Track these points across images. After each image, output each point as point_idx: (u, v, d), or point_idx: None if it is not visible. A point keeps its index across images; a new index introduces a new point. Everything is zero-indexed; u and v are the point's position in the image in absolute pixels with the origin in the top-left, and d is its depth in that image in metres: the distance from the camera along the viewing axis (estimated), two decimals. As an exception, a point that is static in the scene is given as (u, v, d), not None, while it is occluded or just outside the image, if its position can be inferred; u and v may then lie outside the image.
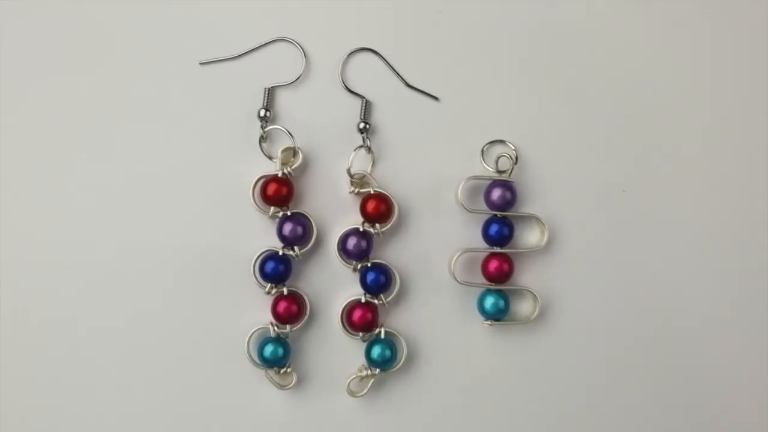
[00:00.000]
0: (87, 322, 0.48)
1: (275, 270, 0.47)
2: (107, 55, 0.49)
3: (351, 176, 0.48)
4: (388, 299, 0.48)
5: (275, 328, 0.48)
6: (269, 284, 0.48)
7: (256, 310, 0.48)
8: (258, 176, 0.48)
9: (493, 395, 0.49)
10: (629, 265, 0.50)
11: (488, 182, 0.49)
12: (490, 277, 0.49)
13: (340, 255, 0.48)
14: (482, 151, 0.50)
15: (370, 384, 0.48)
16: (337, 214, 0.49)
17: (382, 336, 0.48)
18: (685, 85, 0.51)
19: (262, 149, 0.49)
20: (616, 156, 0.50)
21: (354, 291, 0.49)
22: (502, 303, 0.49)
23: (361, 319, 0.48)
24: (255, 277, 0.48)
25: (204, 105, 0.49)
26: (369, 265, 0.48)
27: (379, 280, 0.48)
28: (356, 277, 0.49)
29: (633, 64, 0.51)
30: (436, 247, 0.49)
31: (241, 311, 0.48)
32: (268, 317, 0.48)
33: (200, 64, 0.49)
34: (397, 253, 0.49)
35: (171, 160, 0.49)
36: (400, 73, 0.50)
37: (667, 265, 0.50)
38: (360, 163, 0.49)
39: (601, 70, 0.51)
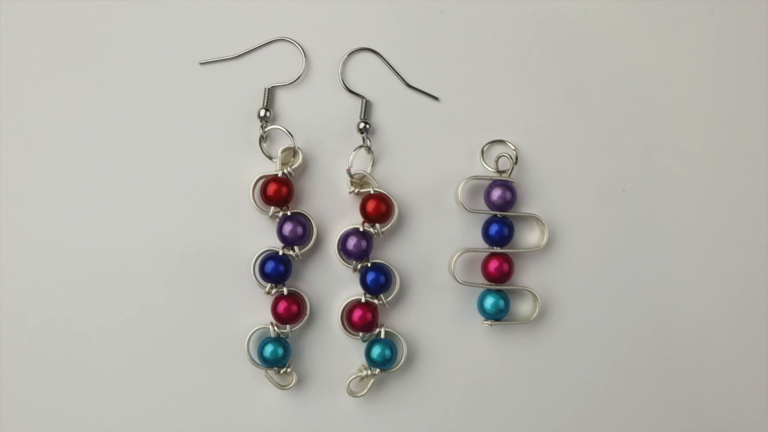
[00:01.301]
0: (87, 322, 0.48)
1: (275, 270, 0.47)
2: (107, 55, 0.49)
3: (351, 176, 0.48)
4: (388, 299, 0.48)
5: (275, 328, 0.48)
6: (269, 284, 0.48)
7: (256, 310, 0.48)
8: (258, 176, 0.48)
9: (493, 395, 0.49)
10: (629, 265, 0.50)
11: (488, 182, 0.49)
12: (490, 277, 0.49)
13: (340, 255, 0.48)
14: (482, 151, 0.50)
15: (370, 384, 0.48)
16: (337, 214, 0.49)
17: (382, 336, 0.48)
18: (685, 85, 0.51)
19: (262, 149, 0.49)
20: (616, 156, 0.50)
21: (354, 291, 0.49)
22: (502, 303, 0.49)
23: (361, 319, 0.48)
24: (255, 277, 0.48)
25: (204, 105, 0.49)
26: (369, 265, 0.48)
27: (379, 280, 0.48)
28: (356, 277, 0.49)
29: (633, 64, 0.51)
30: (436, 247, 0.49)
31: (241, 311, 0.48)
32: (268, 317, 0.48)
33: (200, 64, 0.49)
34: (397, 253, 0.49)
35: (171, 160, 0.49)
36: (400, 73, 0.50)
37: (668, 265, 0.50)
38: (360, 163, 0.49)
39: (601, 70, 0.51)
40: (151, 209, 0.49)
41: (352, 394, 0.48)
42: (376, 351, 0.48)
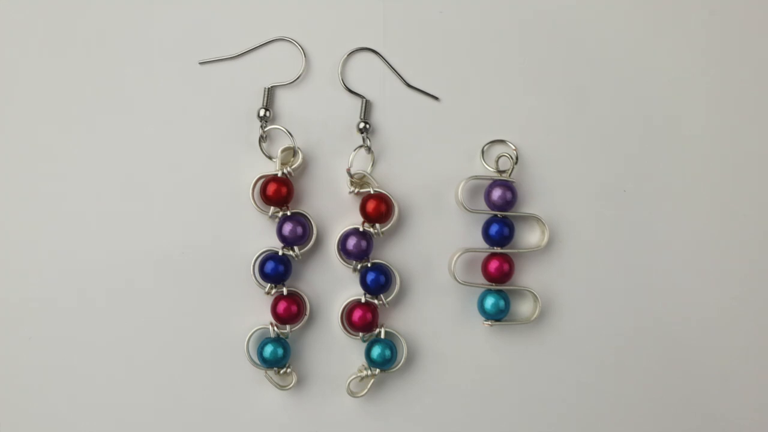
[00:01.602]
0: (87, 323, 0.48)
1: (275, 270, 0.47)
2: (107, 55, 0.49)
3: (351, 176, 0.48)
4: (388, 299, 0.48)
5: (275, 328, 0.48)
6: (269, 284, 0.48)
7: (256, 310, 0.48)
8: (258, 176, 0.48)
9: (493, 395, 0.49)
10: (629, 265, 0.50)
11: (488, 182, 0.49)
12: (491, 277, 0.49)
13: (340, 255, 0.48)
14: (482, 151, 0.50)
15: (370, 384, 0.48)
16: (337, 214, 0.49)
17: (382, 336, 0.48)
18: (687, 85, 0.51)
19: (262, 149, 0.49)
20: (616, 156, 0.50)
21: (354, 291, 0.49)
22: (502, 303, 0.49)
23: (361, 320, 0.48)
24: (255, 277, 0.48)
25: (204, 105, 0.49)
26: (369, 265, 0.48)
27: (379, 280, 0.48)
28: (356, 277, 0.49)
29: (634, 63, 0.51)
30: (436, 247, 0.49)
31: (241, 311, 0.48)
32: (268, 317, 0.48)
33: (200, 63, 0.49)
34: (397, 253, 0.49)
35: (171, 160, 0.49)
36: (400, 73, 0.50)
37: (668, 265, 0.50)
38: (360, 163, 0.49)
39: (601, 70, 0.51)
40: (151, 209, 0.49)
41: (352, 394, 0.48)
42: (376, 351, 0.48)
